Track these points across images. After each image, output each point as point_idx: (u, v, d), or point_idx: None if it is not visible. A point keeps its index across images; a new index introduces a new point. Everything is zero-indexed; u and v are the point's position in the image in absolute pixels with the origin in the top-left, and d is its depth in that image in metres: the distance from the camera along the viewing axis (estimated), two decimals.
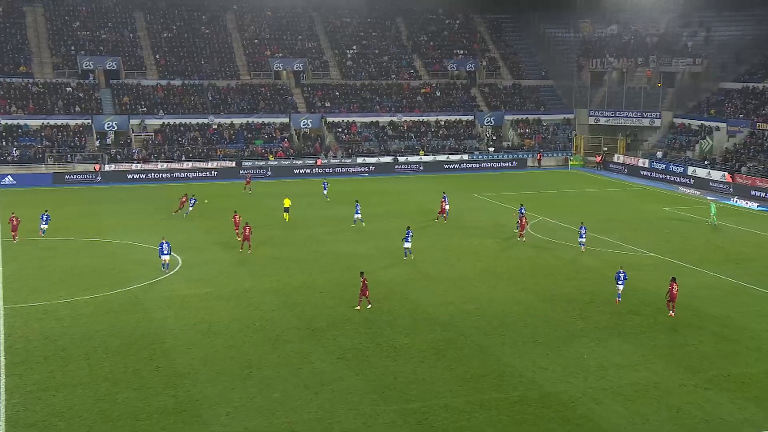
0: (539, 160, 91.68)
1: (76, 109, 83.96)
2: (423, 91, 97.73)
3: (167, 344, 32.59)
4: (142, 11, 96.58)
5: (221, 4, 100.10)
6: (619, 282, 38.76)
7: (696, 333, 34.75)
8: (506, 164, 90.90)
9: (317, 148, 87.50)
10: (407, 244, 46.97)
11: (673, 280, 37.11)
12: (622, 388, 28.72)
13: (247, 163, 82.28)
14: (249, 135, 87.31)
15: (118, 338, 33.10)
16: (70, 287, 40.40)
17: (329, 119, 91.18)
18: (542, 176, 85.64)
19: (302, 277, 42.87)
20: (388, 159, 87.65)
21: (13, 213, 51.41)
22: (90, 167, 78.09)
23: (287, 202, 58.77)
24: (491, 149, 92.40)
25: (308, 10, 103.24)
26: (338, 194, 68.26)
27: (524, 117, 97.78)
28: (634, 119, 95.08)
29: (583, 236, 49.56)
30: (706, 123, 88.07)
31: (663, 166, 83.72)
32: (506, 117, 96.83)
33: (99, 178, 77.33)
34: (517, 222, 53.51)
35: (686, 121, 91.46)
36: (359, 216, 56.14)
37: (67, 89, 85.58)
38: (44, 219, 52.02)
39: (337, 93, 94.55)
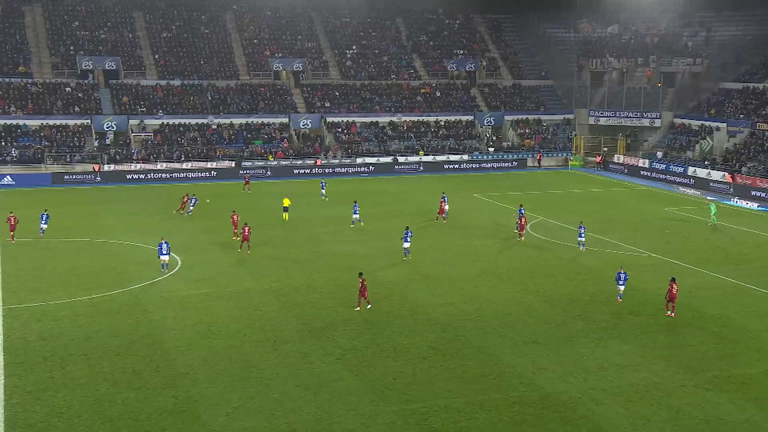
0: (539, 161, 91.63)
1: (76, 109, 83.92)
2: (423, 91, 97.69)
3: (167, 345, 32.55)
4: (141, 11, 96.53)
5: (221, 4, 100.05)
6: (620, 283, 38.74)
7: (696, 333, 34.71)
8: (506, 164, 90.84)
9: (317, 148, 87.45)
10: (406, 244, 46.93)
11: (673, 280, 37.06)
12: (622, 389, 28.67)
13: (246, 164, 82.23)
14: (248, 135, 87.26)
15: (118, 339, 33.06)
16: (70, 288, 40.35)
17: (329, 119, 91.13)
18: (542, 176, 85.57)
19: (302, 278, 42.82)
20: (387, 159, 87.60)
21: (11, 212, 51.34)
22: (89, 167, 78.04)
23: (286, 202, 58.73)
24: (491, 149, 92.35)
25: (308, 10, 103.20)
26: (338, 194, 68.19)
27: (524, 117, 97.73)
28: (634, 119, 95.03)
29: (582, 235, 49.53)
30: (707, 123, 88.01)
31: (663, 167, 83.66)
32: (506, 117, 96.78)
33: (98, 178, 77.27)
34: (517, 222, 53.48)
35: (686, 122, 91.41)
36: (357, 216, 56.07)
37: (67, 89, 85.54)
38: (44, 219, 51.99)
39: (337, 93, 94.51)
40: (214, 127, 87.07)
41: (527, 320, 36.12)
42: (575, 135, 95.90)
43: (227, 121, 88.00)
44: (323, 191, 68.18)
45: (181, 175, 79.96)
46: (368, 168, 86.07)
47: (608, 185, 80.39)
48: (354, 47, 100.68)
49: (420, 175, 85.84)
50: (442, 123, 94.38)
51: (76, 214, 60.02)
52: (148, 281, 41.65)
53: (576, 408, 27.19)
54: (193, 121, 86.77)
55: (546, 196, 71.56)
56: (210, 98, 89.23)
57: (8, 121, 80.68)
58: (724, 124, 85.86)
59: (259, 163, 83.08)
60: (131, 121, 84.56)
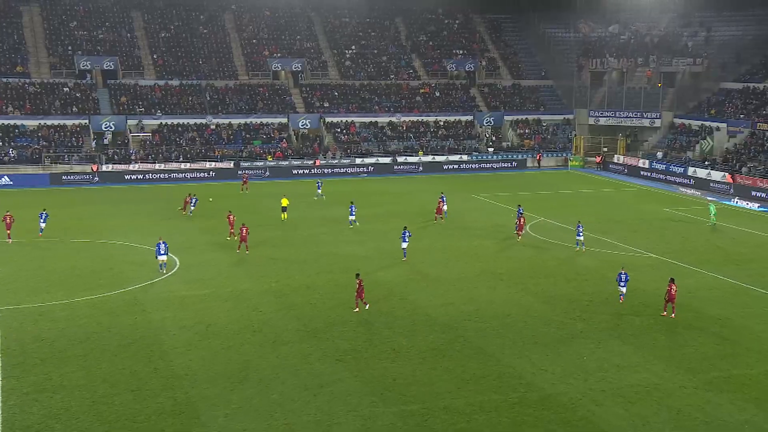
0: (539, 161, 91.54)
1: (73, 109, 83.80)
2: (422, 91, 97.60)
3: (165, 345, 32.44)
4: (139, 11, 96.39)
5: (219, 4, 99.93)
6: (621, 284, 38.65)
7: (696, 334, 34.62)
8: (506, 165, 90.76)
9: (316, 148, 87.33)
10: (404, 245, 46.80)
11: (672, 280, 36.94)
12: (622, 390, 28.58)
13: (245, 164, 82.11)
14: (247, 135, 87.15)
15: (116, 340, 32.95)
16: (68, 288, 40.25)
17: (328, 119, 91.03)
18: (542, 177, 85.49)
19: (301, 278, 42.71)
20: (387, 159, 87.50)
21: (7, 212, 51.26)
22: (87, 168, 77.91)
23: (285, 202, 58.64)
24: (491, 150, 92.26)
25: (307, 10, 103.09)
26: (337, 195, 68.07)
27: (524, 117, 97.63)
28: (634, 119, 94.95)
29: (581, 235, 49.47)
30: (707, 123, 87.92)
31: (663, 167, 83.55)
32: (506, 117, 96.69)
33: (96, 178, 77.18)
34: (516, 222, 53.38)
35: (686, 122, 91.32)
36: (353, 217, 55.92)
37: (64, 89, 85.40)
38: (43, 218, 51.93)
39: (336, 93, 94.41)
40: (213, 127, 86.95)
41: (527, 321, 36.02)
42: (575, 135, 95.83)
43: (226, 121, 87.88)
44: (319, 191, 68.07)
45: (180, 175, 79.86)
46: (367, 168, 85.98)
47: (608, 185, 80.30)
48: (353, 47, 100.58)
49: (419, 175, 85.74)
50: (442, 123, 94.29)
51: (74, 215, 59.89)
52: (146, 282, 41.54)
53: (576, 409, 27.10)
54: (191, 122, 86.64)
55: (545, 197, 71.48)
56: (208, 98, 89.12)
57: (6, 121, 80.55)
58: (725, 125, 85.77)
59: (258, 164, 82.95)
60: (129, 121, 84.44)
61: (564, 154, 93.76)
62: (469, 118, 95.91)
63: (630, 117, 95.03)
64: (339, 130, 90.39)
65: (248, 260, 46.47)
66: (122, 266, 44.89)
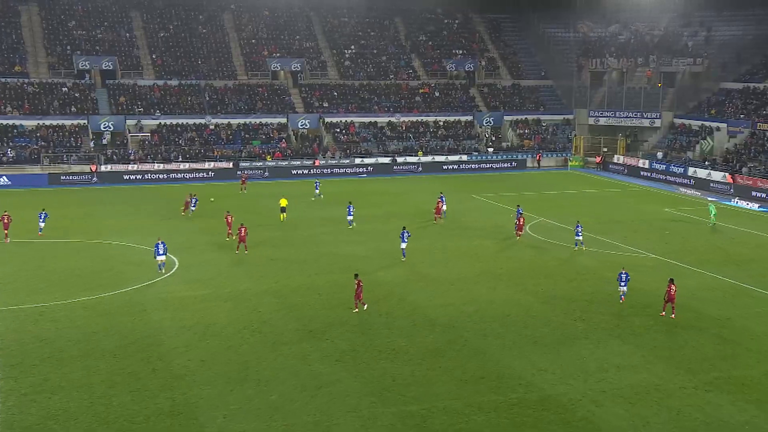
0: (539, 161, 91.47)
1: (72, 109, 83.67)
2: (421, 91, 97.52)
3: (164, 346, 32.35)
4: (138, 11, 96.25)
5: (218, 4, 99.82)
6: (622, 284, 38.61)
7: (696, 335, 34.55)
8: (505, 165, 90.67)
9: (315, 148, 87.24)
10: (403, 245, 46.71)
11: (671, 281, 36.86)
12: (622, 390, 28.51)
13: (244, 164, 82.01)
14: (246, 135, 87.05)
15: (115, 340, 32.86)
16: (67, 289, 40.15)
17: (327, 119, 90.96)
18: (542, 177, 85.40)
19: (300, 279, 42.63)
20: (386, 159, 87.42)
21: (5, 212, 51.18)
22: (86, 168, 77.80)
23: (284, 202, 58.54)
24: (490, 150, 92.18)
25: (306, 10, 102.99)
26: (337, 195, 67.96)
27: (523, 117, 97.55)
28: (634, 119, 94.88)
29: (579, 234, 49.43)
30: (707, 123, 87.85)
31: (663, 167, 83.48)
32: (505, 117, 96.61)
33: (95, 179, 77.05)
34: (516, 222, 53.30)
35: (686, 122, 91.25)
36: (351, 218, 55.81)
37: (63, 89, 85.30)
38: (42, 218, 51.86)
39: (335, 93, 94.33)
40: (212, 127, 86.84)
41: (527, 321, 35.95)
42: (575, 135, 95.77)
43: (225, 121, 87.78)
44: (317, 191, 67.96)
45: (179, 175, 79.75)
46: (367, 168, 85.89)
47: (608, 186, 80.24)
48: (352, 47, 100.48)
49: (419, 175, 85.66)
50: (441, 123, 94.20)
51: (73, 215, 59.79)
52: (145, 282, 41.44)
53: (576, 410, 27.03)
54: (190, 122, 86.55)
55: (545, 197, 71.41)
56: (207, 98, 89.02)
57: (4, 121, 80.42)
58: (725, 125, 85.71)
59: (257, 164, 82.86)
60: (128, 122, 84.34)
61: (564, 155, 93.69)
62: (469, 118, 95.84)
63: (630, 117, 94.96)
64: (338, 130, 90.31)
65: (248, 260, 46.38)
66: (121, 266, 44.80)
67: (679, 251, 50.04)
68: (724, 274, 44.43)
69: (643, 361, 31.25)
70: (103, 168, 78.22)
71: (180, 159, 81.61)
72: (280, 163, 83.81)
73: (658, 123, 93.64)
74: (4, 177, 74.35)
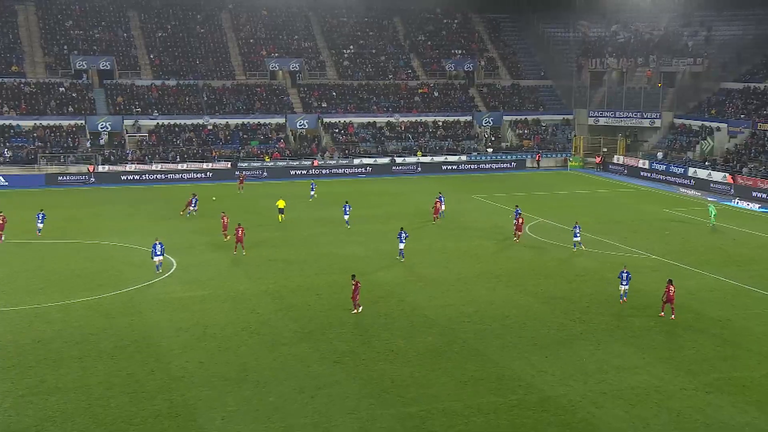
0: (538, 161, 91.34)
1: (69, 109, 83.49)
2: (421, 91, 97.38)
3: (162, 347, 32.21)
4: (136, 10, 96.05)
5: (216, 4, 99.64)
6: (624, 282, 38.50)
7: (696, 336, 34.45)
8: (505, 165, 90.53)
9: (314, 148, 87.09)
10: (401, 245, 46.56)
11: (670, 281, 36.72)
12: (622, 392, 28.41)
13: (242, 164, 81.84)
14: (245, 136, 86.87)
15: (112, 341, 32.73)
16: (63, 290, 40.01)
17: (326, 120, 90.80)
18: (541, 177, 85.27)
19: (299, 280, 42.47)
20: (385, 160, 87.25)
21: (0, 212, 50.98)
22: (83, 168, 77.59)
23: (282, 203, 58.37)
24: (490, 150, 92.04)
25: (304, 10, 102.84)
26: (335, 196, 67.69)
27: (523, 117, 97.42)
28: (634, 120, 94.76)
29: (578, 235, 49.31)
30: (707, 123, 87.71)
31: (663, 167, 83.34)
32: (505, 117, 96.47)
33: (93, 179, 76.83)
34: (514, 223, 53.10)
35: (687, 122, 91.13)
36: (347, 217, 55.63)
37: (60, 89, 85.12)
38: (40, 218, 51.71)
39: (334, 93, 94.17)
40: (210, 127, 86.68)
41: (526, 322, 35.82)
42: (574, 135, 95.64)
43: (223, 121, 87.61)
44: (312, 192, 67.74)
45: (177, 176, 79.53)
46: (366, 169, 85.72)
47: (608, 186, 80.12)
48: (351, 47, 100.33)
49: (418, 176, 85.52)
50: (440, 123, 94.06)
51: (70, 216, 59.61)
52: (143, 283, 41.29)
53: (576, 411, 26.91)
54: (188, 122, 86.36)
55: (545, 197, 71.29)
56: (206, 98, 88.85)
57: (1, 122, 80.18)
58: (725, 125, 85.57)
59: (256, 164, 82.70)
60: (126, 122, 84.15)
61: (563, 155, 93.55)
62: (468, 118, 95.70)
63: (630, 117, 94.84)
64: (337, 130, 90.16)
65: (246, 261, 46.23)
66: (119, 267, 44.65)
67: (679, 252, 49.92)
68: (724, 274, 44.32)
69: (643, 363, 31.14)
70: (100, 168, 78.01)
71: (178, 159, 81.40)
72: (278, 163, 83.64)
73: (658, 123, 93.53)
74: (0, 177, 74.14)
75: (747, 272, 45.00)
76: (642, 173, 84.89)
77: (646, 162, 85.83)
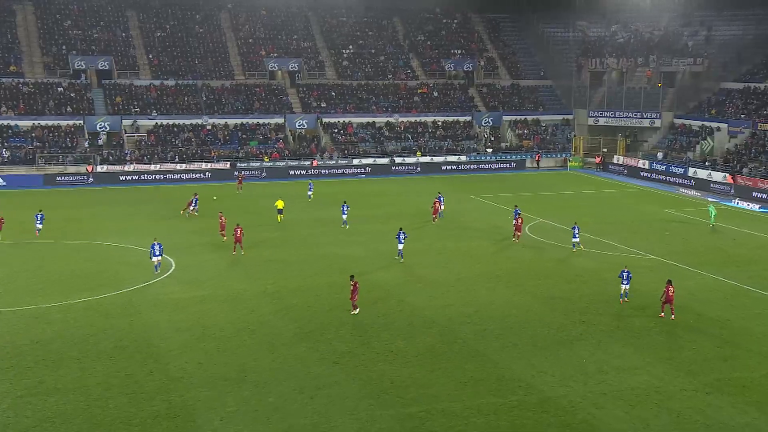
0: (538, 161, 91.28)
1: (68, 109, 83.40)
2: (420, 91, 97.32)
3: (160, 348, 32.13)
4: (134, 10, 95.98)
5: (215, 3, 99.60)
6: (624, 282, 38.44)
7: (696, 336, 34.38)
8: (505, 165, 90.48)
9: (313, 149, 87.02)
10: (400, 246, 46.48)
11: (669, 282, 36.64)
12: (622, 393, 28.34)
13: (241, 165, 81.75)
14: (244, 136, 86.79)
15: (111, 342, 32.65)
16: (62, 290, 39.92)
17: (325, 120, 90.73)
18: (541, 177, 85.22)
19: (297, 280, 42.39)
20: (384, 160, 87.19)
21: None
22: (82, 168, 77.49)
23: (280, 204, 58.29)
24: (489, 150, 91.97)
25: (304, 10, 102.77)
26: (334, 196, 67.61)
27: (523, 117, 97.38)
28: (634, 120, 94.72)
29: (577, 236, 49.25)
30: (707, 123, 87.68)
31: (663, 167, 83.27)
32: (504, 117, 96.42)
33: (91, 179, 76.75)
34: (514, 223, 53.02)
35: (687, 122, 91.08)
36: (345, 217, 55.55)
37: (59, 89, 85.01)
38: (39, 219, 51.61)
39: (333, 93, 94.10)
40: (209, 127, 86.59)
41: (526, 323, 35.75)
42: (574, 135, 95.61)
43: (222, 121, 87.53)
44: (310, 192, 67.65)
45: (176, 176, 79.45)
46: (365, 169, 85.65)
47: (608, 186, 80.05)
48: (350, 47, 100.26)
49: (417, 176, 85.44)
50: (440, 123, 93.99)
51: (69, 216, 59.50)
52: (142, 283, 41.20)
53: (576, 412, 26.84)
54: (187, 122, 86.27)
55: (544, 198, 71.23)
56: (204, 98, 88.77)
57: None
58: (725, 125, 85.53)
59: (255, 164, 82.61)
60: (124, 122, 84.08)
61: (563, 155, 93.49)
62: (468, 118, 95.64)
63: (630, 117, 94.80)
64: (336, 130, 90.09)
65: (245, 261, 46.14)
66: (118, 268, 44.56)
67: (679, 252, 49.85)
68: (724, 275, 44.25)
69: (643, 363, 31.07)
70: (99, 169, 77.91)
71: (177, 159, 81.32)
72: (277, 163, 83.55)
73: (658, 123, 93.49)
74: None
75: (747, 273, 44.92)
76: (642, 173, 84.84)
77: (646, 162, 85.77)
